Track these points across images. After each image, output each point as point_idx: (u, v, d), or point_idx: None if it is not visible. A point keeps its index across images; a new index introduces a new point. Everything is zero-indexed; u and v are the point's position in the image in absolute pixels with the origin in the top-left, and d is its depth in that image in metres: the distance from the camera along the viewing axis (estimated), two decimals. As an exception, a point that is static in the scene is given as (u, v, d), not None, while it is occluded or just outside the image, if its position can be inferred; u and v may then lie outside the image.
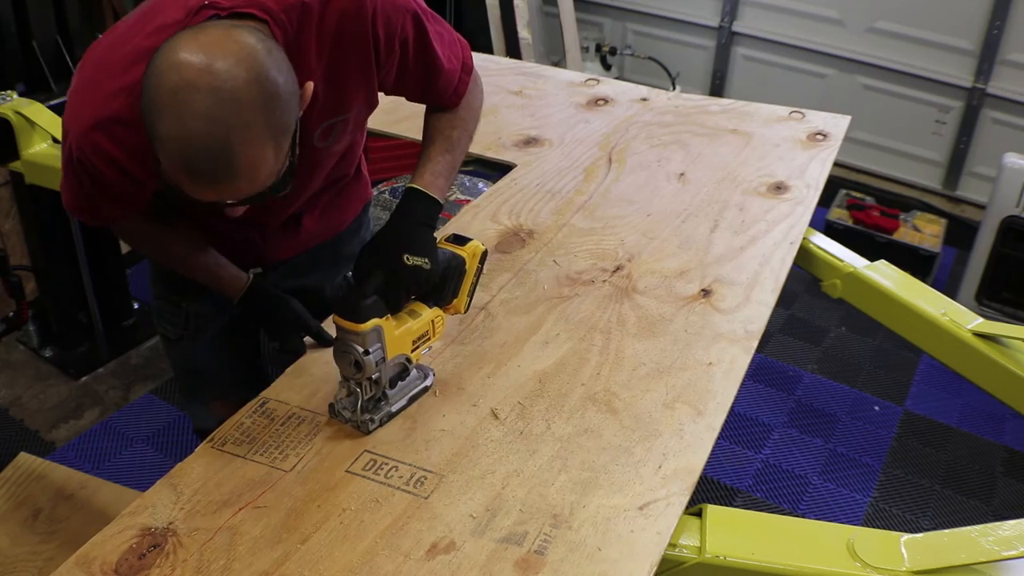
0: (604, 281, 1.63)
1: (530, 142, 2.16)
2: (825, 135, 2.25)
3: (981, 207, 3.40)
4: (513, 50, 3.77)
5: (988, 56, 3.61)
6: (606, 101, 2.40)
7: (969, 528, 1.28)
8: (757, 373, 2.87)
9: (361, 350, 1.19)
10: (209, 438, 1.25)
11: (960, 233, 3.62)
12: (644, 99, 2.42)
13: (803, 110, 2.40)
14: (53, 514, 2.02)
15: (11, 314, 2.69)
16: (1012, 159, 3.02)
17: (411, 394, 1.31)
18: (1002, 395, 1.84)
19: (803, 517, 2.30)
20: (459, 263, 1.33)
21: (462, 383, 1.36)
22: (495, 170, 2.19)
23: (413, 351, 1.28)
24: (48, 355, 2.82)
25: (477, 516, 1.13)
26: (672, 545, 1.17)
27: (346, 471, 1.20)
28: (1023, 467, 2.56)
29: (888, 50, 3.84)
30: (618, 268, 1.67)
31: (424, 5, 1.34)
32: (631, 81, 2.77)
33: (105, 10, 3.29)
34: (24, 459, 2.21)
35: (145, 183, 1.23)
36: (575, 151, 2.12)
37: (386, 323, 1.22)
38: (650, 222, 1.83)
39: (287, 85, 1.05)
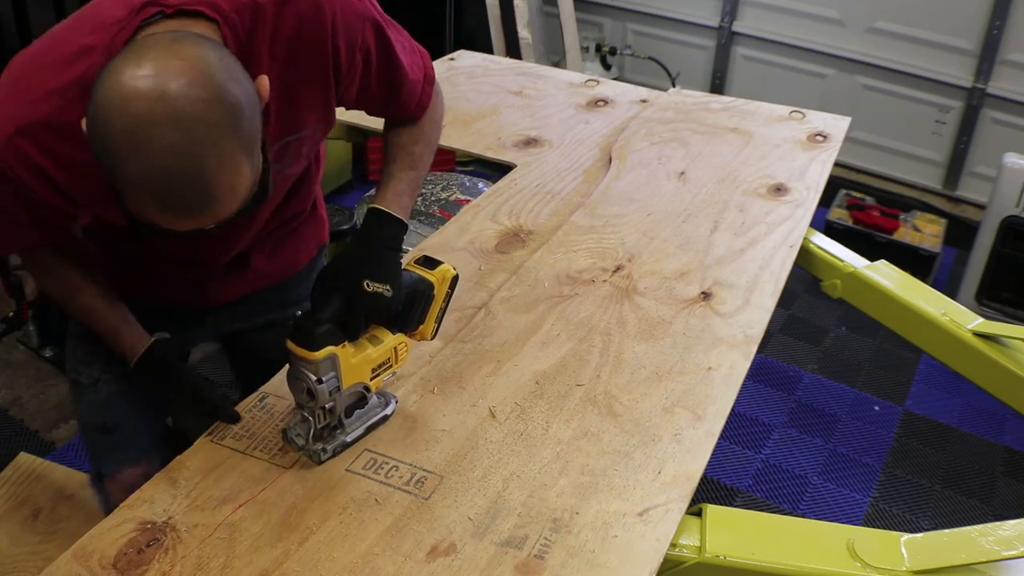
0: (604, 281, 1.63)
1: (530, 142, 2.16)
2: (825, 136, 2.25)
3: (981, 207, 3.40)
4: (513, 50, 3.77)
5: (988, 56, 3.61)
6: (606, 102, 2.40)
7: (969, 528, 1.29)
8: (757, 373, 2.87)
9: (314, 378, 1.14)
10: (208, 431, 1.25)
11: (960, 233, 3.62)
12: (644, 100, 2.43)
13: (803, 110, 2.40)
14: (53, 514, 2.02)
15: (11, 314, 2.69)
16: (1012, 159, 3.02)
17: (369, 423, 1.25)
18: (1002, 395, 1.84)
19: (803, 517, 2.30)
20: (427, 287, 1.26)
21: (462, 382, 1.36)
22: (495, 170, 2.20)
23: (373, 379, 1.22)
24: (48, 355, 2.82)
25: (477, 518, 1.13)
26: (672, 545, 1.17)
27: (346, 470, 1.19)
28: (1023, 467, 2.56)
29: (888, 50, 3.84)
30: (618, 268, 1.67)
31: (383, 12, 1.23)
32: (631, 81, 2.77)
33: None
34: (24, 459, 2.21)
35: (77, 200, 1.10)
36: (575, 152, 2.12)
37: (342, 351, 1.15)
38: (650, 221, 1.83)
39: (247, 91, 0.95)
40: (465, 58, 2.71)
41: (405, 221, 1.27)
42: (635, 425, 1.30)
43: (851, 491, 2.43)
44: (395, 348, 1.24)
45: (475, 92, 2.43)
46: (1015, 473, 2.53)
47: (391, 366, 1.24)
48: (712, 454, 1.26)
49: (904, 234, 3.40)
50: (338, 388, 1.16)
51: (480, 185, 2.65)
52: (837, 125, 2.33)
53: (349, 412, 1.22)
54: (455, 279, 1.30)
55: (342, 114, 2.27)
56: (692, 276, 1.66)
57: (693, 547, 1.23)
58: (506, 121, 2.26)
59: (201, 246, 1.27)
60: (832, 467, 2.51)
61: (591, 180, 1.99)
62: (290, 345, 1.14)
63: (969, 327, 1.84)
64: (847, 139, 2.32)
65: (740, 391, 1.40)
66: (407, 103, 1.31)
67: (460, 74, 2.56)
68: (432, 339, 1.31)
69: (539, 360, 1.42)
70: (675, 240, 1.77)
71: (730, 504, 2.36)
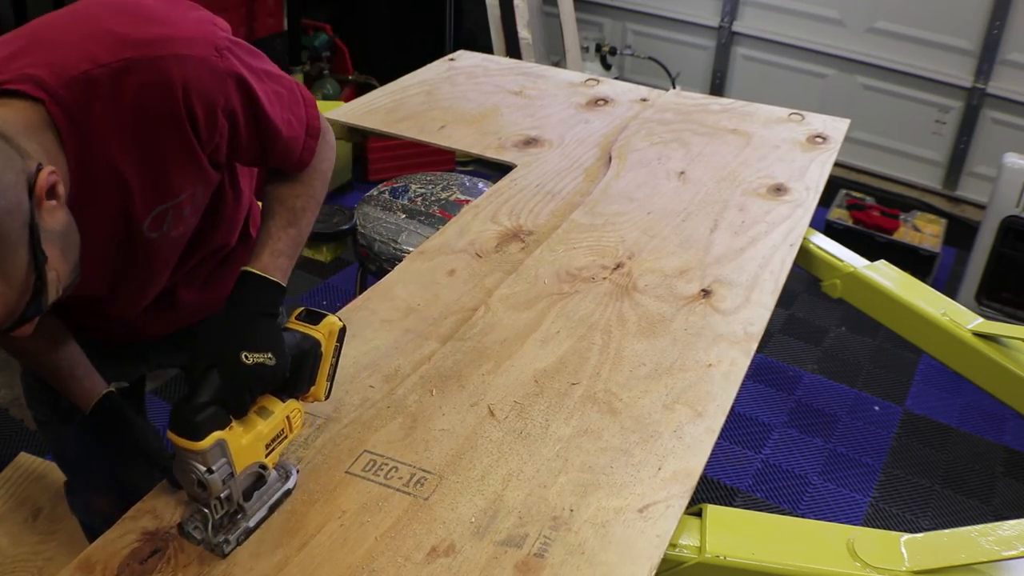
0: (604, 279, 1.63)
1: (530, 142, 2.15)
2: (825, 138, 2.26)
3: (981, 207, 3.40)
4: (513, 50, 3.77)
5: (988, 56, 3.61)
6: (606, 101, 2.40)
7: (969, 528, 1.28)
8: (757, 373, 2.87)
9: (203, 469, 1.03)
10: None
11: (960, 233, 3.63)
12: (644, 99, 2.43)
13: (803, 112, 2.40)
14: (53, 514, 2.02)
15: (11, 314, 2.68)
16: (1012, 159, 3.02)
17: (271, 502, 1.14)
18: (1002, 395, 1.84)
19: (803, 517, 2.30)
20: (313, 346, 1.15)
21: (462, 380, 1.36)
22: (495, 170, 2.19)
23: (269, 455, 1.11)
24: (48, 355, 2.81)
25: (477, 518, 1.12)
26: (672, 545, 1.17)
27: (346, 472, 1.19)
28: (1023, 467, 2.56)
29: (888, 50, 3.84)
30: (618, 266, 1.67)
31: (256, 62, 1.14)
32: (631, 81, 2.77)
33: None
34: (24, 459, 2.21)
35: None
36: (575, 151, 2.12)
37: (230, 433, 1.05)
38: (650, 220, 1.83)
39: None
40: (465, 58, 2.71)
41: (283, 284, 1.17)
42: (635, 422, 1.30)
43: (851, 491, 2.43)
44: (288, 417, 1.13)
45: (475, 92, 2.43)
46: (1015, 473, 2.53)
47: (286, 437, 1.14)
48: (712, 454, 1.26)
49: (904, 234, 3.40)
50: (231, 474, 1.06)
51: (480, 185, 2.64)
52: (836, 127, 2.33)
53: (248, 494, 1.11)
54: (343, 331, 1.19)
55: (342, 114, 2.29)
56: (692, 274, 1.66)
57: (693, 547, 1.23)
58: (506, 121, 2.26)
59: (105, 305, 1.23)
60: (832, 467, 2.51)
61: (591, 179, 1.99)
62: (171, 436, 1.03)
63: (969, 327, 1.84)
64: (847, 139, 2.32)
65: (740, 391, 1.40)
66: (284, 160, 1.22)
67: (460, 74, 2.56)
68: (326, 399, 1.21)
69: (539, 358, 1.42)
70: (675, 238, 1.77)
71: (730, 504, 2.36)
